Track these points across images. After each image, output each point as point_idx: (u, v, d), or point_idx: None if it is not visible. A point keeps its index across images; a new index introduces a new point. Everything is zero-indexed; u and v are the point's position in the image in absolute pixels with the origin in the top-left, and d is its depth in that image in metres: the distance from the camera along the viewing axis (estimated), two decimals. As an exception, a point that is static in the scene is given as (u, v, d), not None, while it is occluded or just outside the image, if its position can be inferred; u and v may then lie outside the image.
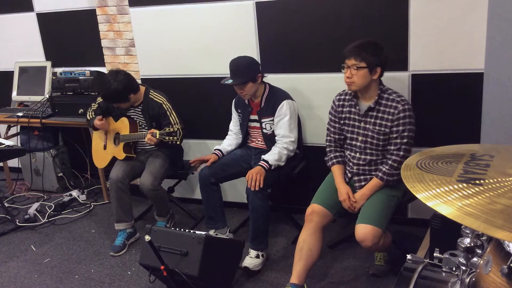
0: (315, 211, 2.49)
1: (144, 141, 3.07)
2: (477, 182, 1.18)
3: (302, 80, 3.17)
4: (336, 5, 2.95)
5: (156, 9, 3.46)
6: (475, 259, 1.23)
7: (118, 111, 3.26)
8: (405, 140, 2.40)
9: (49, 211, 3.78)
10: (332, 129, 2.65)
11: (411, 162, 1.37)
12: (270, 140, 2.96)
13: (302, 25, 3.07)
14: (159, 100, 3.14)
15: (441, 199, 1.11)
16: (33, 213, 3.69)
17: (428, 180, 1.22)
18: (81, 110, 3.79)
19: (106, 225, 3.58)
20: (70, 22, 4.02)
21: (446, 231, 1.96)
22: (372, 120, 2.46)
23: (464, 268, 1.25)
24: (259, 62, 3.01)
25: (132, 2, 3.52)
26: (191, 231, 2.48)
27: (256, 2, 3.15)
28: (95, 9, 3.72)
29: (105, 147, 3.39)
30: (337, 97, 2.63)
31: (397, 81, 2.90)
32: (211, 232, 3.00)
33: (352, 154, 2.57)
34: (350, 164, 2.59)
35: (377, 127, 2.45)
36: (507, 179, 1.18)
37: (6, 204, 3.87)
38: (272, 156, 2.80)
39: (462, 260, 1.25)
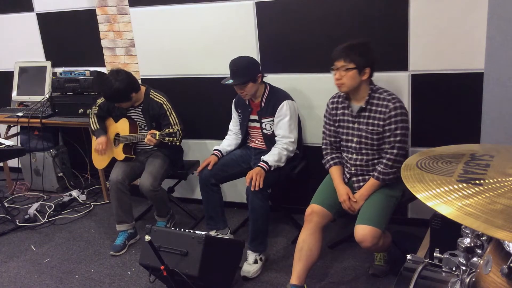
0: (314, 211, 2.49)
1: (144, 142, 3.07)
2: (477, 182, 1.18)
3: (302, 80, 3.17)
4: (336, 5, 2.95)
5: (156, 9, 3.46)
6: (475, 259, 1.23)
7: (118, 112, 3.25)
8: (398, 138, 2.40)
9: (49, 211, 3.78)
10: (328, 132, 2.66)
11: (411, 162, 1.37)
12: (270, 140, 2.96)
13: (302, 25, 3.07)
14: (159, 100, 3.14)
15: (441, 199, 1.11)
16: (33, 213, 3.69)
17: (428, 180, 1.22)
18: (81, 110, 3.79)
19: (106, 225, 3.58)
20: (70, 22, 4.02)
21: (446, 231, 1.96)
22: (365, 121, 2.47)
23: (464, 268, 1.25)
24: (259, 62, 3.01)
25: (132, 2, 3.52)
26: (191, 231, 2.48)
27: (256, 2, 3.15)
28: (95, 9, 3.72)
29: (105, 148, 3.39)
30: (331, 100, 2.64)
31: (397, 81, 2.91)
32: (212, 233, 3.00)
33: (349, 155, 2.58)
34: (348, 165, 2.59)
35: (370, 127, 2.46)
36: (507, 179, 1.18)
37: (6, 204, 3.88)
38: (272, 157, 2.80)
39: (462, 260, 1.25)
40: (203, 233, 2.42)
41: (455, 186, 1.16)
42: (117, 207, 3.16)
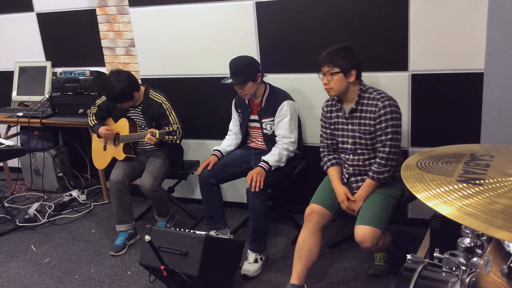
0: (314, 211, 2.50)
1: (144, 141, 3.07)
2: (477, 182, 1.18)
3: (302, 80, 3.17)
4: (336, 5, 2.95)
5: (156, 9, 3.46)
6: (475, 259, 1.23)
7: (117, 112, 3.26)
8: (389, 136, 2.41)
9: (49, 211, 3.78)
10: (324, 135, 2.68)
11: (411, 162, 1.37)
12: (270, 140, 2.96)
13: (302, 25, 3.07)
14: (159, 100, 3.14)
15: (441, 199, 1.11)
16: (33, 213, 3.69)
17: (428, 180, 1.22)
18: (81, 110, 3.79)
19: (106, 225, 3.58)
20: (70, 22, 4.02)
21: (446, 231, 1.96)
22: (357, 121, 2.49)
23: (464, 268, 1.25)
24: (259, 62, 3.01)
25: (132, 2, 3.52)
26: (191, 231, 2.48)
27: (256, 2, 3.15)
28: (95, 9, 3.72)
29: (105, 148, 3.39)
30: (325, 104, 2.67)
31: (397, 81, 2.91)
32: (212, 233, 3.00)
33: (346, 156, 2.59)
34: (346, 166, 2.60)
35: (362, 127, 2.47)
36: (507, 179, 1.18)
37: (6, 204, 3.88)
38: (272, 157, 2.80)
39: (462, 260, 1.25)
40: (203, 233, 2.42)
41: (455, 186, 1.16)
42: (117, 207, 3.16)
